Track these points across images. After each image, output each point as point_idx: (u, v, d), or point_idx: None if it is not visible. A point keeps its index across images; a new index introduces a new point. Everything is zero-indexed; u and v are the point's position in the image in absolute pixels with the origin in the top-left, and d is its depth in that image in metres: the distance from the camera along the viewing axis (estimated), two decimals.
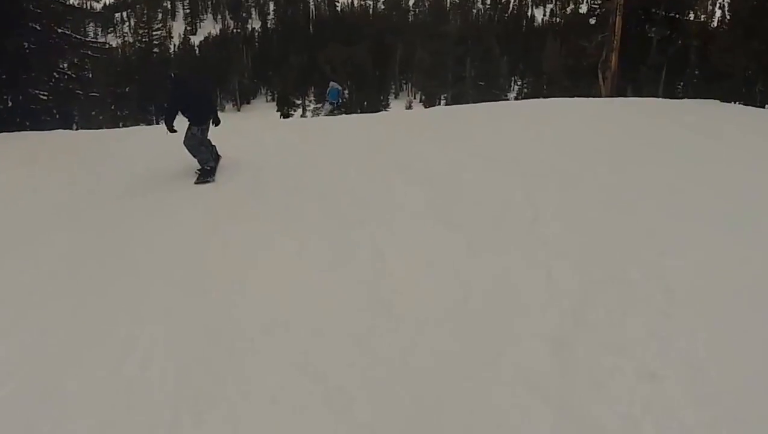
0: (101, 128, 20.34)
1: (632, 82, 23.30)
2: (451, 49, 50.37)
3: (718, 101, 17.30)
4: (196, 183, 7.57)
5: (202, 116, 7.83)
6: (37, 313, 4.49)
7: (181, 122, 7.55)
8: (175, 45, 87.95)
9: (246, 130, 9.75)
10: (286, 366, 3.55)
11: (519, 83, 71.69)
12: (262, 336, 3.89)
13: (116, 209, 6.76)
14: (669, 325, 3.52)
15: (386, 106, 66.21)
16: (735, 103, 16.63)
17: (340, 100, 21.61)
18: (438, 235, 5.00)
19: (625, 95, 23.83)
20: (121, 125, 37.10)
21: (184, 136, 7.66)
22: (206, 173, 7.67)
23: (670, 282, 3.93)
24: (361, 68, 58.14)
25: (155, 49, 53.92)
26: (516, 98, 70.44)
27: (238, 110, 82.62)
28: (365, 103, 65.25)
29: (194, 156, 7.71)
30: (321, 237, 5.21)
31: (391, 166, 6.94)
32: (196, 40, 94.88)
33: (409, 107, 70.95)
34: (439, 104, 57.21)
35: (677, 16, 22.71)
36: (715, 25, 25.13)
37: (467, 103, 55.24)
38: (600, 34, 21.91)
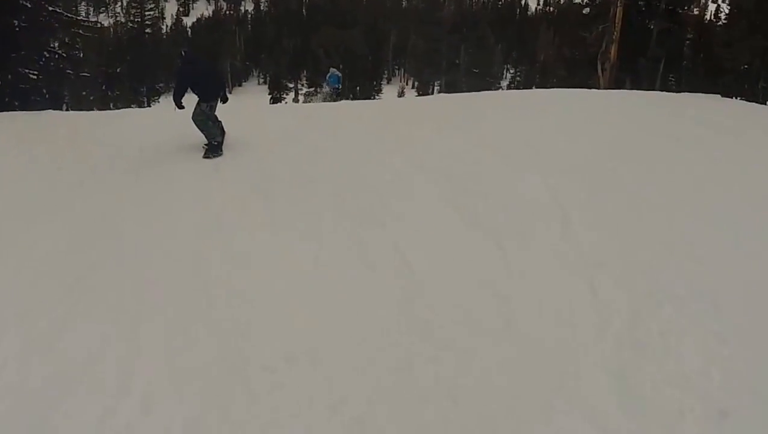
0: (92, 109, 19.87)
1: (631, 75, 23.13)
2: (445, 36, 49.83)
3: (718, 96, 17.22)
4: (204, 157, 7.69)
5: (210, 93, 7.99)
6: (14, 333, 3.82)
7: (189, 100, 7.49)
8: (167, 26, 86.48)
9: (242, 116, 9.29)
10: (318, 406, 3.10)
11: (512, 71, 71.28)
12: (287, 365, 3.41)
13: (107, 205, 6.09)
14: (726, 351, 3.32)
15: (379, 92, 65.70)
16: (735, 98, 16.47)
17: (339, 86, 22.04)
18: (467, 242, 4.70)
19: (623, 87, 23.69)
20: (111, 106, 36.37)
21: (192, 112, 7.83)
22: (213, 148, 7.81)
23: (718, 298, 3.73)
24: (355, 53, 57.47)
25: (147, 30, 52.83)
26: (509, 87, 70.27)
27: (230, 92, 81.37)
28: (358, 88, 64.71)
29: (201, 131, 7.85)
30: (340, 242, 4.80)
31: (405, 158, 6.73)
32: (188, 21, 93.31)
33: (402, 93, 70.51)
34: (433, 91, 56.83)
35: (678, 9, 22.52)
36: (709, 18, 24.87)
37: (461, 90, 54.99)
38: (600, 25, 21.68)
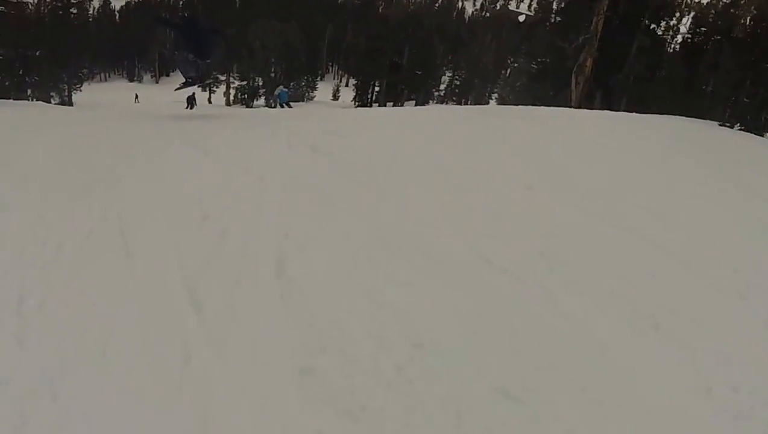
0: (8, 97, 16.68)
1: (603, 90, 22.25)
2: (390, 34, 48.09)
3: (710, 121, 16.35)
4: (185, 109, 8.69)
5: (203, 52, 8.89)
6: None
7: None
8: (94, 8, 79.71)
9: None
10: None
11: (449, 74, 70.61)
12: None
13: None
14: None
15: (314, 89, 63.14)
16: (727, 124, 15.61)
17: (288, 103, 23.66)
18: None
19: (593, 102, 22.77)
20: (29, 93, 31.86)
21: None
22: (189, 101, 9.78)
23: None
24: (292, 47, 54.67)
25: (73, 10, 47.61)
26: (446, 89, 69.66)
27: (156, 82, 76.48)
28: (292, 84, 61.80)
29: (180, 69, 9.05)
30: None
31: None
32: (117, 4, 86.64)
33: (337, 92, 68.24)
34: (372, 92, 55.01)
35: (658, 26, 21.81)
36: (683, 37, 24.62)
37: (402, 91, 53.24)
38: (581, 36, 20.55)
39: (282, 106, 22.73)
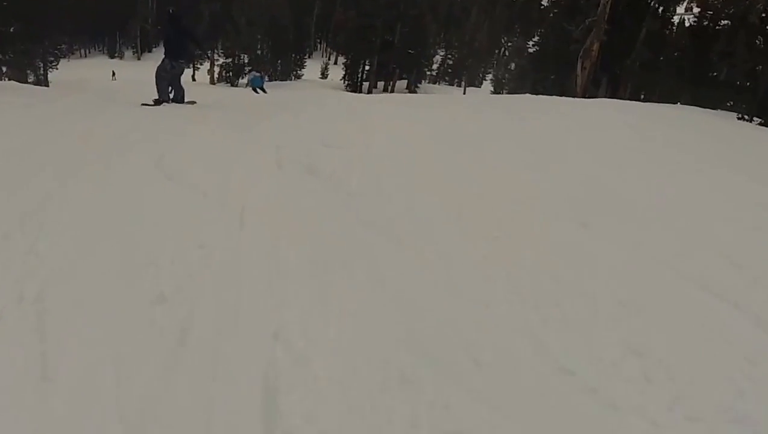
0: None
1: (609, 75, 21.06)
2: (381, 11, 46.31)
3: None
4: (142, 104, 8.32)
5: (176, 53, 8.56)
6: None
7: None
8: None
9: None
10: None
11: (442, 54, 68.92)
12: None
13: None
14: None
15: (301, 67, 61.26)
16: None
17: (262, 88, 24.16)
18: None
19: (599, 87, 21.62)
20: (4, 71, 30.03)
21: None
22: (157, 102, 8.51)
23: None
24: (278, 24, 52.74)
25: None
26: (438, 69, 67.98)
27: (138, 59, 74.13)
28: (279, 62, 59.91)
29: (156, 84, 8.53)
30: None
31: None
32: None
33: (326, 69, 66.38)
34: (363, 70, 53.38)
35: (668, 10, 20.55)
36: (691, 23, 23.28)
37: (393, 70, 51.71)
38: (587, 19, 19.28)
39: (256, 91, 23.21)
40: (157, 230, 3.68)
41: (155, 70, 8.53)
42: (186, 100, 9.17)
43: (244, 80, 51.48)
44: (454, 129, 7.66)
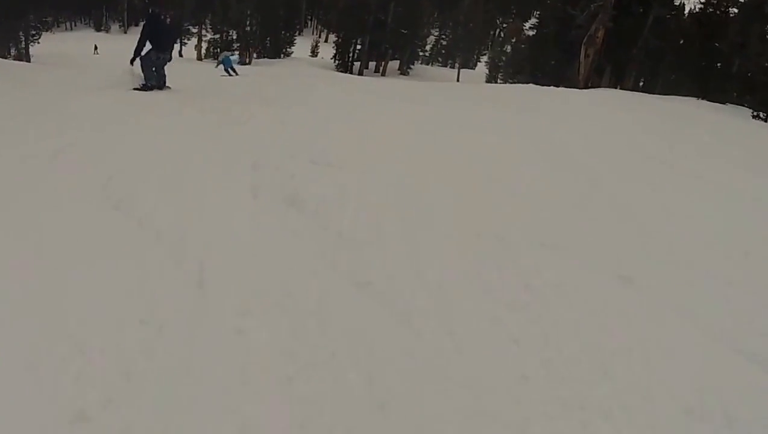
0: None
1: (613, 64, 20.09)
2: None
3: None
4: (134, 89, 8.83)
5: (164, 46, 9.11)
6: None
7: None
8: None
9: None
10: None
11: (436, 34, 67.24)
12: None
13: None
14: None
15: (291, 44, 59.53)
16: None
17: (233, 70, 23.04)
18: None
19: (602, 76, 20.69)
20: None
21: (144, 54, 8.86)
22: (144, 87, 8.95)
23: None
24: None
25: None
26: (432, 50, 66.35)
27: (125, 32, 72.14)
28: (268, 39, 58.16)
29: (143, 71, 8.97)
30: None
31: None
32: None
33: (316, 47, 64.71)
34: (354, 50, 51.90)
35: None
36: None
37: (386, 50, 50.32)
38: (593, 4, 18.26)
39: (228, 72, 22.34)
40: (90, 295, 2.78)
41: (142, 58, 8.84)
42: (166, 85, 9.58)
43: (235, 56, 50.17)
44: (472, 144, 6.71)
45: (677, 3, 21.67)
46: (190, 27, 51.08)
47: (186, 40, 52.95)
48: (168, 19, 9.76)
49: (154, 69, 8.96)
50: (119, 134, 5.41)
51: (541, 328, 2.95)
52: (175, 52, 10.06)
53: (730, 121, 12.01)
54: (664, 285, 3.56)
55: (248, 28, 53.93)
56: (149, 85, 8.91)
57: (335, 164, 4.76)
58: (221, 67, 23.51)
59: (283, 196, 3.96)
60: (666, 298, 3.40)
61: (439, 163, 5.27)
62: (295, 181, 4.22)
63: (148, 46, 8.91)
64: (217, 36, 54.08)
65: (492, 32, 65.51)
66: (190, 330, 2.64)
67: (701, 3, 24.28)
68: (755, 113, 13.44)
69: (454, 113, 8.74)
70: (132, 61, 8.92)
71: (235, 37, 53.40)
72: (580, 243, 3.94)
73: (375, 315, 2.83)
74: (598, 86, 19.15)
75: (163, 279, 3.01)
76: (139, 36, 8.91)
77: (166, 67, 9.33)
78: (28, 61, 30.94)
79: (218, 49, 53.03)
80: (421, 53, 58.78)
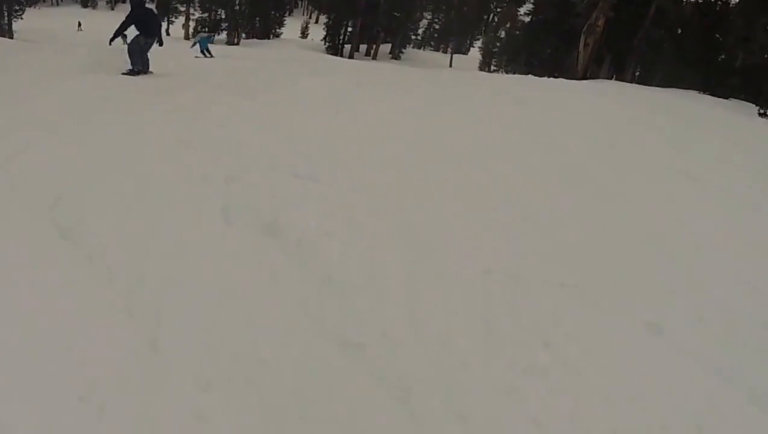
0: None
1: (613, 54, 19.49)
2: None
3: None
4: (122, 74, 8.99)
5: (150, 32, 9.34)
6: None
7: None
8: None
9: None
10: None
11: (429, 17, 66.14)
12: None
13: None
14: None
15: (281, 25, 58.25)
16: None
17: (207, 52, 23.45)
18: None
19: (602, 66, 20.13)
20: None
21: (131, 40, 9.18)
22: (132, 72, 9.15)
23: None
24: None
25: None
26: (424, 34, 65.30)
27: (112, 8, 70.41)
28: (258, 19, 56.84)
29: (130, 57, 9.20)
30: None
31: None
32: None
33: (306, 29, 63.52)
34: (345, 33, 50.87)
35: None
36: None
37: (377, 33, 49.38)
38: None
39: (203, 54, 22.86)
40: (17, 360, 2.24)
41: (129, 43, 9.13)
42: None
43: (221, 36, 49.00)
44: (478, 154, 6.15)
45: None
46: (178, 5, 49.79)
47: (173, 19, 51.67)
48: (154, 4, 10.66)
49: (139, 54, 9.19)
50: (78, 137, 4.80)
51: (566, 402, 2.46)
52: (162, 31, 10.17)
53: (741, 120, 11.54)
54: (699, 336, 3.07)
55: (237, 7, 52.66)
56: (135, 69, 9.14)
57: (322, 179, 4.20)
58: (197, 47, 23.95)
59: (261, 223, 3.41)
60: (704, 355, 2.91)
61: (439, 176, 4.72)
62: (276, 202, 3.66)
63: (135, 32, 9.22)
64: (206, 15, 52.72)
65: (486, 17, 64.59)
66: (138, 412, 2.12)
67: None
68: (762, 111, 12.95)
69: (454, 111, 8.17)
70: (111, 42, 9.37)
71: (223, 17, 52.11)
72: (602, 281, 3.43)
73: (367, 390, 2.32)
74: (597, 77, 18.63)
75: (110, 338, 2.47)
76: (123, 19, 9.20)
77: (150, 51, 9.56)
78: (11, 37, 30.03)
79: (206, 29, 51.82)
80: (413, 37, 57.82)
